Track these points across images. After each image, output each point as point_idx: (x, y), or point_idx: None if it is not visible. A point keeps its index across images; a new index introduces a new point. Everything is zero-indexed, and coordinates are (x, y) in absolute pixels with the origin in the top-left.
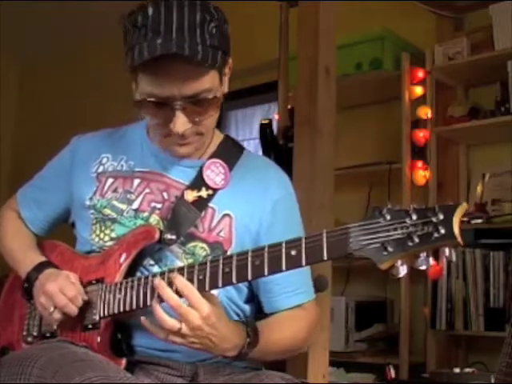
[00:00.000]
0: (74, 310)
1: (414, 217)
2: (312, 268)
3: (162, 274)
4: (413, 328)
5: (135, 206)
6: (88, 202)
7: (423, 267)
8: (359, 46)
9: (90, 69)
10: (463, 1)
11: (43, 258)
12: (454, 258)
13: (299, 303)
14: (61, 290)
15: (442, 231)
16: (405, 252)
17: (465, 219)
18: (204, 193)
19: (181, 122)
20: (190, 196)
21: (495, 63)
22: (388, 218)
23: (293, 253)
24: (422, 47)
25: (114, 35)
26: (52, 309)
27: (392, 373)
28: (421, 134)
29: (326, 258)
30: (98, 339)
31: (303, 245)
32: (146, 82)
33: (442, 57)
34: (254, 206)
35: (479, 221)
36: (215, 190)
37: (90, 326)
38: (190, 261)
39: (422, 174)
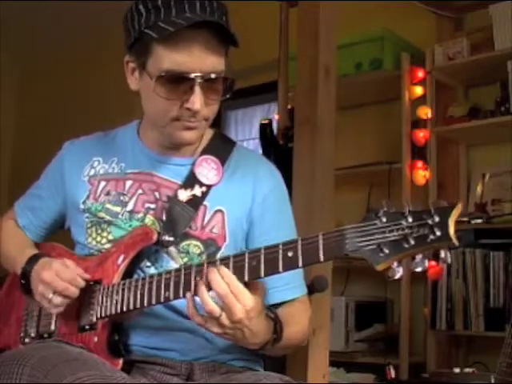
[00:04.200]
0: (74, 291)
1: (410, 219)
2: (312, 268)
3: (158, 273)
4: (413, 328)
5: (129, 207)
6: (82, 206)
7: (419, 269)
8: (359, 45)
9: (90, 69)
10: (463, 1)
11: (37, 252)
12: (449, 260)
13: (293, 297)
14: (57, 275)
15: (438, 233)
16: (400, 253)
17: (465, 219)
18: (198, 190)
19: (198, 99)
20: (184, 195)
21: (495, 63)
22: (384, 220)
23: (289, 254)
24: (422, 47)
25: (114, 35)
26: (51, 295)
27: (392, 373)
28: (421, 134)
29: (322, 259)
30: (95, 339)
31: (299, 246)
32: (165, 58)
33: (442, 57)
34: (244, 199)
35: (479, 221)
36: (209, 187)
37: (87, 327)
38: (185, 259)
39: (421, 174)
